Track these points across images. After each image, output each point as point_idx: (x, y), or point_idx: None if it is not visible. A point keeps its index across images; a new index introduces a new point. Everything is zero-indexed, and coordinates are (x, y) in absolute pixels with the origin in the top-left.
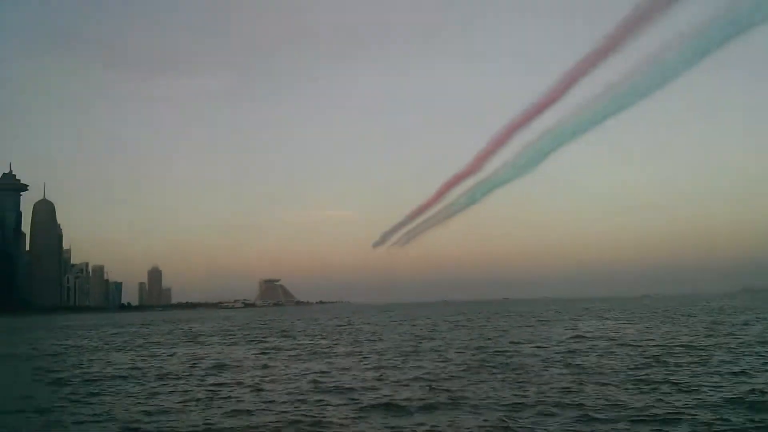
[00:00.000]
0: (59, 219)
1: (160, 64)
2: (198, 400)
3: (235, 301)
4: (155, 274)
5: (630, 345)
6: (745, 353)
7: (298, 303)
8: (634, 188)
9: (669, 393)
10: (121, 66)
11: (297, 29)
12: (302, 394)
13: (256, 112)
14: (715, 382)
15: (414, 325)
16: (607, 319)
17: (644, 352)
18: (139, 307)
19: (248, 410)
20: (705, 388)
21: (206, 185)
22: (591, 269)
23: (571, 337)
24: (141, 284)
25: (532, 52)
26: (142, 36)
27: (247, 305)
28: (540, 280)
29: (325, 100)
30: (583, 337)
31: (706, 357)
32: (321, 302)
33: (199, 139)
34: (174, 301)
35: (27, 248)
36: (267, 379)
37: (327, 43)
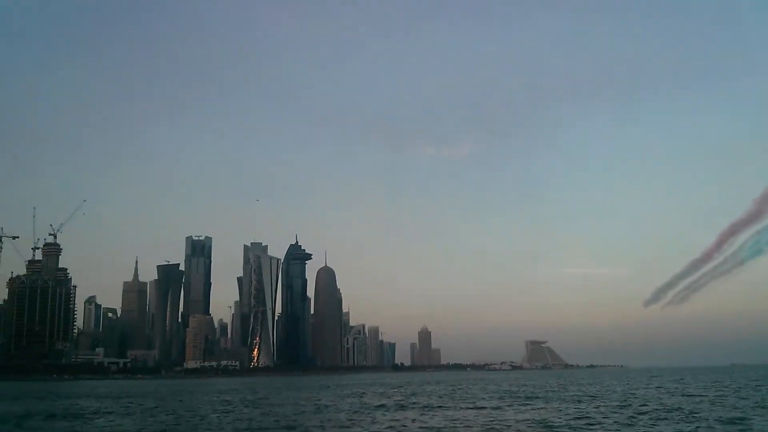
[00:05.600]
0: (339, 284)
1: (411, 135)
2: None
3: (502, 363)
4: (425, 335)
5: None
6: None
7: (567, 366)
8: None
9: None
10: (379, 140)
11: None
12: None
13: (512, 171)
14: None
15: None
16: None
17: None
18: (411, 367)
19: None
20: None
21: (469, 247)
22: None
23: None
24: (412, 345)
25: None
26: (402, 111)
27: (514, 367)
28: None
29: (583, 151)
30: None
31: None
32: (591, 366)
33: (458, 203)
34: (443, 361)
35: (312, 312)
36: None
37: (563, 95)
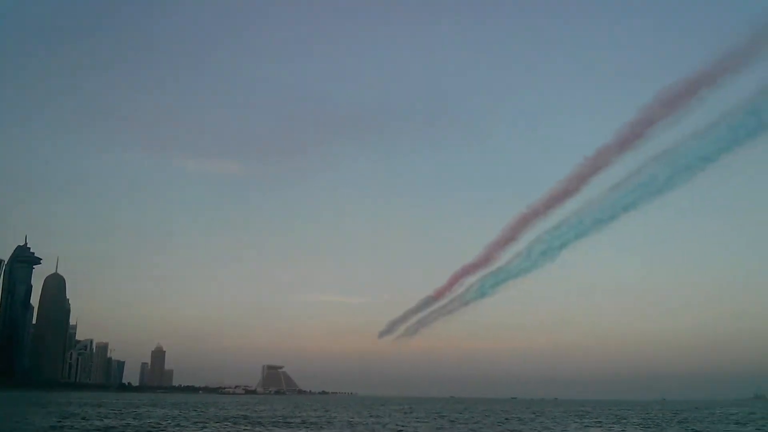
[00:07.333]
0: (69, 294)
1: (174, 145)
2: None
3: (236, 386)
4: (159, 354)
5: None
6: None
7: (300, 392)
8: (654, 288)
9: None
10: (137, 145)
11: (308, 115)
12: None
13: (266, 197)
14: None
15: None
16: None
17: None
18: (140, 388)
19: None
20: None
21: (214, 267)
22: (605, 371)
23: None
24: (143, 364)
25: (547, 140)
26: (157, 115)
27: (248, 392)
28: (551, 381)
29: (336, 185)
30: None
31: None
32: (324, 392)
33: (207, 222)
34: (175, 383)
35: (34, 321)
36: None
37: (335, 128)
